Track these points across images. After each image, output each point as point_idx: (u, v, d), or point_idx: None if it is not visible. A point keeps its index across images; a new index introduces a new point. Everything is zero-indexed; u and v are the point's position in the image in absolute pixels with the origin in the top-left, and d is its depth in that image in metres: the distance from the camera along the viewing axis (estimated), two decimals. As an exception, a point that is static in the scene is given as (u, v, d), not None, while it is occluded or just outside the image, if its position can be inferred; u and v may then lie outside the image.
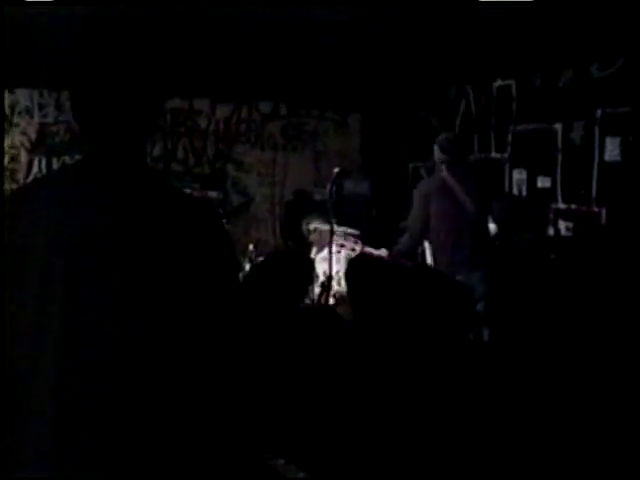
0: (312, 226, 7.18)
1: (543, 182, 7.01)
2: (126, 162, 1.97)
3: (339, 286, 6.39)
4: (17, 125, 8.74)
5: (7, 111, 8.63)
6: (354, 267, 4.03)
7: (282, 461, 3.10)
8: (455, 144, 6.01)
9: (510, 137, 7.48)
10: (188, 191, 6.41)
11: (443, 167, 5.96)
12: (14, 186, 8.23)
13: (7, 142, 8.67)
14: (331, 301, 6.10)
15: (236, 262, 2.14)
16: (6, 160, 8.65)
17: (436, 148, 6.01)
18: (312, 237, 6.84)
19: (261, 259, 4.50)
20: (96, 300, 1.85)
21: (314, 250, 6.74)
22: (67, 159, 8.59)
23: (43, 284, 1.86)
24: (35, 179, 4.07)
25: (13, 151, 8.70)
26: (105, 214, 1.89)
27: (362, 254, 5.79)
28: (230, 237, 2.09)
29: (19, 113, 8.77)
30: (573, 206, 6.62)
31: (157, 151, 9.13)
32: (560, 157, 6.79)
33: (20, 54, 6.58)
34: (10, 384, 1.86)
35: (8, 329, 1.86)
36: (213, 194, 8.86)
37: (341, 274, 6.04)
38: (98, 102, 1.96)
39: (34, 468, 1.85)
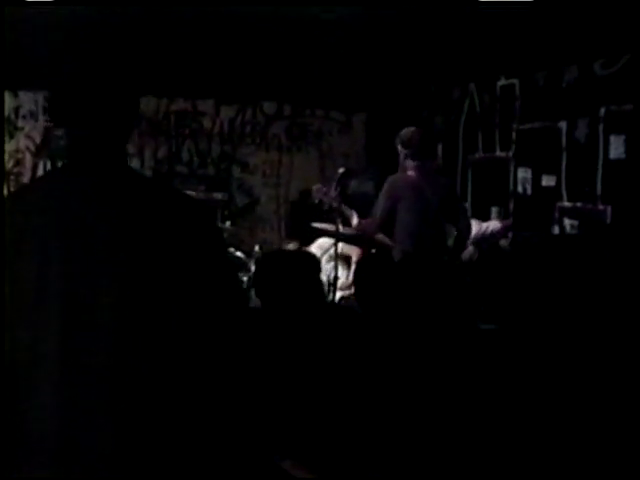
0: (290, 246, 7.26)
1: (548, 180, 7.00)
2: (109, 164, 1.96)
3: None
4: (22, 129, 8.74)
5: (11, 115, 8.64)
6: (363, 268, 4.04)
7: (290, 462, 3.10)
8: (417, 139, 6.02)
9: (514, 135, 7.47)
10: (192, 193, 6.42)
11: (409, 164, 5.95)
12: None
13: (12, 146, 8.68)
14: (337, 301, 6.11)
15: (226, 258, 2.14)
16: (11, 164, 8.66)
17: (398, 142, 6.04)
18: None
19: (264, 256, 4.45)
20: (93, 300, 1.85)
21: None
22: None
23: (38, 291, 1.85)
24: (23, 186, 4.08)
25: (18, 155, 8.71)
26: (96, 217, 1.88)
27: (371, 255, 5.79)
28: (221, 233, 2.09)
29: (23, 117, 8.77)
30: (578, 204, 6.61)
31: (162, 153, 9.14)
32: (565, 155, 6.78)
33: (23, 56, 6.59)
34: (10, 382, 1.86)
35: (7, 328, 1.86)
36: (218, 195, 8.86)
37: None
38: (78, 102, 1.96)
39: (35, 468, 1.85)
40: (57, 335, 1.84)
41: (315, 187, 6.42)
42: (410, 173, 5.98)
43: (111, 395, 1.84)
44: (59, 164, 8.70)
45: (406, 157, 5.99)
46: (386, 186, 5.97)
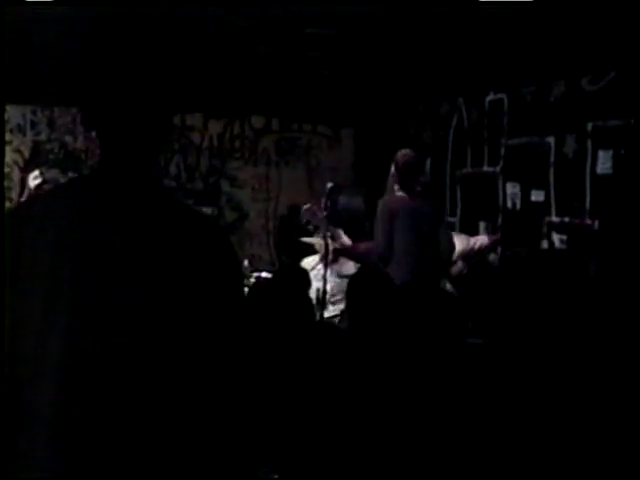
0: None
1: (536, 195, 7.02)
2: (137, 176, 1.98)
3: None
4: (10, 143, 8.72)
5: (-1, 127, 8.62)
6: (356, 282, 4.03)
7: (277, 477, 3.09)
8: (412, 164, 6.03)
9: (503, 151, 7.49)
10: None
11: (396, 186, 5.97)
12: (6, 204, 8.22)
13: None
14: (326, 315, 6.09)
15: (242, 280, 2.15)
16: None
17: (393, 166, 6.03)
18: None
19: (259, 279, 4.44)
20: (102, 310, 1.85)
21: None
22: (61, 177, 8.58)
23: (48, 294, 1.85)
24: (43, 192, 4.09)
25: (6, 169, 8.67)
26: (113, 226, 1.89)
27: (364, 269, 5.77)
28: (237, 255, 2.09)
29: (11, 131, 8.75)
30: (567, 219, 6.63)
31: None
32: (553, 170, 6.80)
33: (14, 70, 6.57)
34: (13, 389, 1.86)
35: (12, 336, 1.86)
36: (208, 210, 8.85)
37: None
38: (113, 113, 1.97)
39: (34, 471, 1.84)
40: (63, 345, 1.84)
41: (305, 207, 6.40)
42: (399, 194, 5.98)
43: (113, 403, 1.84)
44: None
45: (396, 180, 5.99)
46: (381, 208, 5.97)
